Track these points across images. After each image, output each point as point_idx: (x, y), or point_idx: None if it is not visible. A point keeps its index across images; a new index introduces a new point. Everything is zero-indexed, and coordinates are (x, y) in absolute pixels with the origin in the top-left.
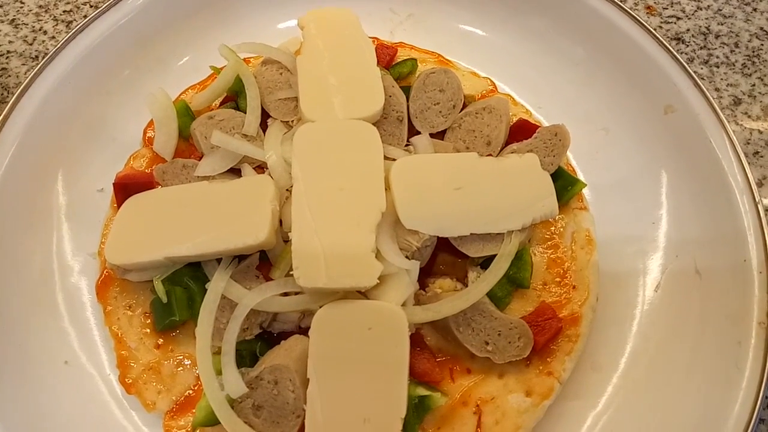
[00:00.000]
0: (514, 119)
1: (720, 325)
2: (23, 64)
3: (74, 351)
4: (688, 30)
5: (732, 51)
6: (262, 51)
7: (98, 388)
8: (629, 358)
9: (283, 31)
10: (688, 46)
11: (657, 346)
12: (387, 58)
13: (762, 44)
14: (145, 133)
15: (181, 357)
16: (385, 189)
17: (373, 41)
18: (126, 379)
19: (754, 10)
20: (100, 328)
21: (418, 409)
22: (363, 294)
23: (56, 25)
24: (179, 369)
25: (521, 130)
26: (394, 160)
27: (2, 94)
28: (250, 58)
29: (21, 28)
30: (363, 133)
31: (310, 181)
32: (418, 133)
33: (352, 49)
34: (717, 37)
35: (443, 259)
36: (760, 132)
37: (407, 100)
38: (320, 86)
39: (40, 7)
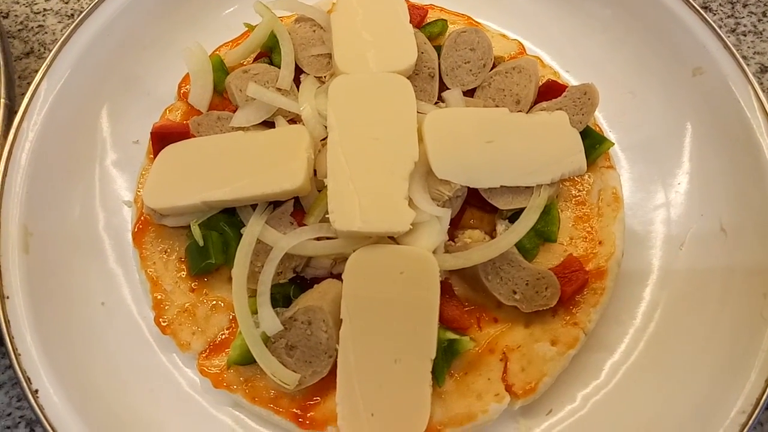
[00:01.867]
0: (543, 80)
1: (745, 279)
2: (59, 22)
3: (111, 293)
4: None
5: (760, 20)
6: (296, 8)
7: (137, 329)
8: (651, 312)
9: None
10: (715, 14)
11: (680, 300)
12: (418, 18)
13: None
14: (180, 87)
15: (215, 300)
16: (418, 141)
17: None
18: (161, 321)
19: None
20: (131, 272)
21: (446, 353)
22: (395, 240)
23: None
24: (213, 312)
25: (550, 91)
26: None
27: (39, 50)
28: (283, 17)
29: None
30: (396, 86)
31: (345, 131)
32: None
33: (385, 7)
34: (744, 6)
35: (472, 213)
36: None
37: (438, 58)
38: (354, 41)
39: None
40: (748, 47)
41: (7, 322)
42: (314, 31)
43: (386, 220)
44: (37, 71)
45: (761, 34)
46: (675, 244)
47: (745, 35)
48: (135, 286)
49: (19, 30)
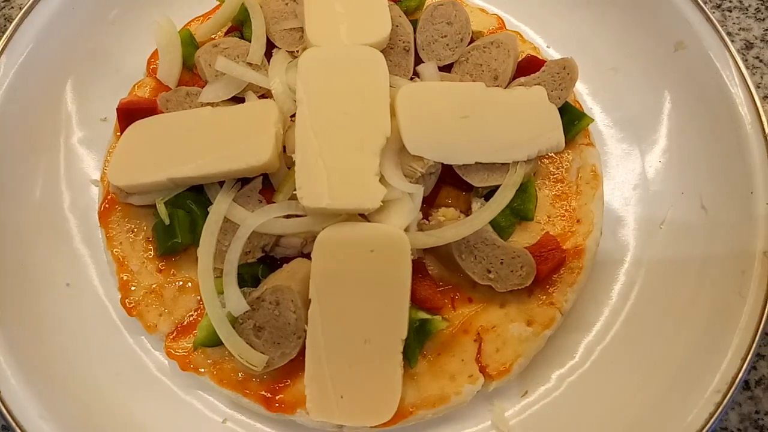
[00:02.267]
0: (522, 55)
1: (724, 257)
2: None
3: (75, 274)
4: None
5: None
6: None
7: (103, 311)
8: (628, 291)
9: None
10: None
11: (658, 278)
12: None
13: None
14: (149, 63)
15: (183, 281)
16: (391, 116)
17: None
18: (127, 302)
19: None
20: (96, 253)
21: (419, 333)
22: (365, 218)
23: None
24: (181, 293)
25: (529, 66)
26: None
27: (5, 26)
28: None
29: None
30: (369, 59)
31: (315, 104)
32: None
33: None
34: None
35: (447, 192)
36: None
37: (414, 32)
38: (326, 13)
39: None
40: (734, 23)
41: None
42: (287, 4)
43: (356, 197)
44: None
45: (746, 9)
46: (655, 222)
47: (730, 11)
48: (102, 267)
49: None
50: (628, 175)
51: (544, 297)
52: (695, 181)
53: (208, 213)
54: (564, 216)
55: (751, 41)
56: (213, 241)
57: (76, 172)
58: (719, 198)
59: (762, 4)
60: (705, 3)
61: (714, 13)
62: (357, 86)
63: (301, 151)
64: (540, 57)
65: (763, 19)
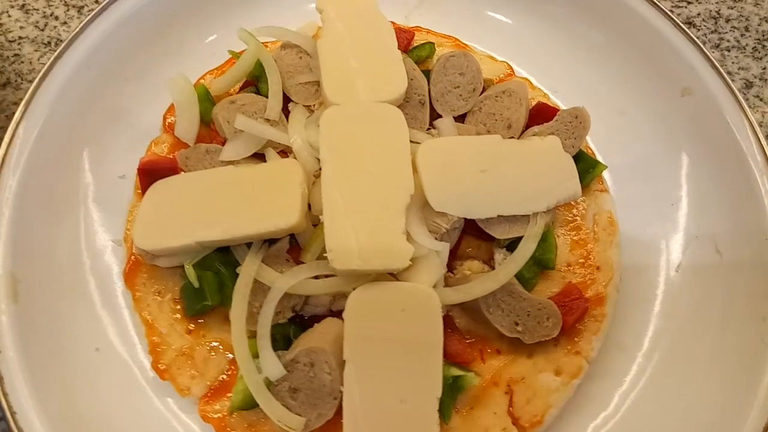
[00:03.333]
0: (533, 102)
1: (744, 303)
2: (36, 50)
3: (104, 338)
4: (698, 14)
5: (742, 35)
6: (281, 35)
7: (133, 375)
8: (654, 338)
9: (298, 15)
10: (699, 30)
11: (681, 325)
12: (404, 42)
13: None
14: (165, 118)
15: (213, 342)
16: (413, 172)
17: None
18: (159, 365)
19: None
20: (128, 314)
21: (452, 389)
22: (394, 276)
23: (67, 10)
24: (212, 354)
25: (540, 113)
26: (418, 143)
27: (16, 81)
28: (268, 42)
29: (32, 14)
30: (388, 116)
31: (339, 165)
32: (439, 116)
33: (372, 32)
34: (727, 21)
35: (469, 241)
36: None
37: (428, 83)
38: (342, 69)
39: None
40: (733, 62)
41: (1, 378)
42: (300, 57)
43: (385, 257)
44: (14, 103)
45: (744, 49)
46: (670, 266)
47: (729, 50)
48: (127, 329)
49: None
50: (640, 219)
51: (570, 346)
52: (708, 225)
53: (236, 274)
54: (584, 263)
55: (750, 80)
56: (245, 304)
57: (97, 233)
58: (734, 242)
59: (759, 43)
60: (704, 44)
61: (713, 52)
62: (378, 144)
63: (328, 212)
64: (550, 104)
65: (761, 58)
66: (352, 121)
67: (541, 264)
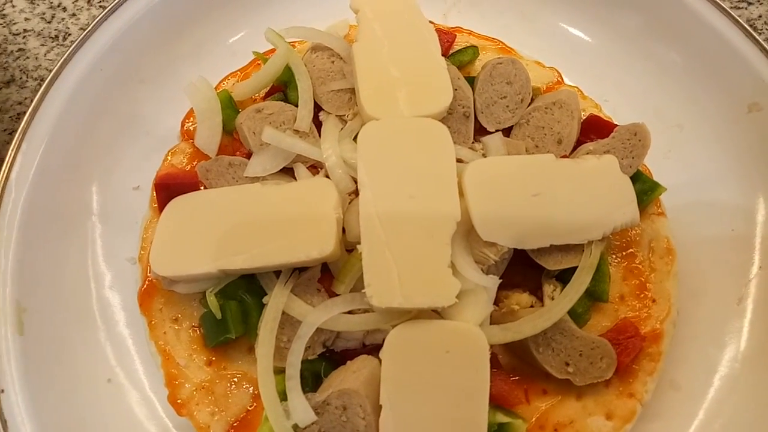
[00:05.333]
0: (584, 114)
1: None
2: (42, 45)
3: (115, 368)
4: (760, 16)
5: None
6: (312, 36)
7: (142, 409)
8: (713, 377)
9: (326, 12)
10: (761, 33)
11: (746, 364)
12: (445, 44)
13: None
14: (182, 125)
15: (235, 375)
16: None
17: None
18: (176, 400)
19: None
20: (140, 341)
21: None
22: (437, 313)
23: (76, 1)
24: (233, 388)
25: (593, 127)
26: (462, 160)
27: (21, 78)
28: (295, 42)
29: (37, 4)
30: (433, 133)
31: (378, 188)
32: (483, 128)
33: (413, 35)
34: None
35: (513, 269)
36: None
37: (472, 93)
38: (381, 78)
39: None
40: None
41: (4, 422)
42: (333, 62)
43: (429, 294)
44: (19, 103)
45: None
46: (731, 298)
47: None
48: (143, 358)
49: None
50: (699, 245)
51: (623, 388)
52: None
53: (261, 303)
54: (638, 295)
55: None
56: (272, 340)
57: (107, 252)
58: None
59: None
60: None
61: None
62: (422, 165)
63: (367, 243)
64: (603, 116)
65: None
66: (392, 139)
67: (593, 296)
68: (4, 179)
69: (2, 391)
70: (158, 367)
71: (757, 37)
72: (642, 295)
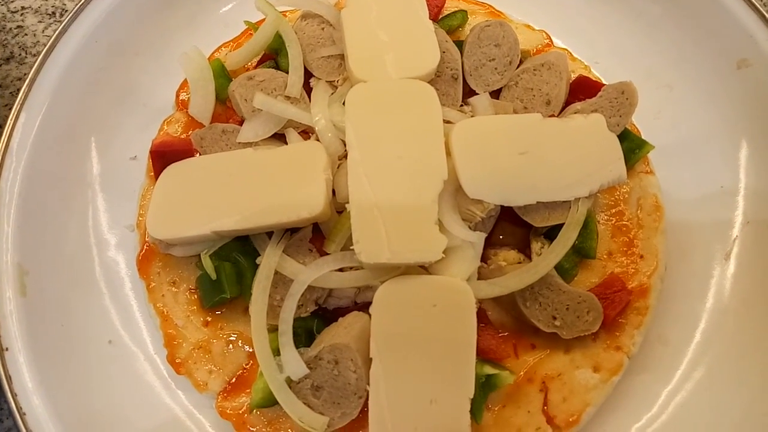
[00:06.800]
0: (573, 76)
1: None
2: (39, 21)
3: (117, 330)
4: None
5: None
6: (301, 4)
7: (144, 369)
8: (704, 331)
9: None
10: None
11: (734, 318)
12: (435, 10)
13: None
14: (177, 95)
15: (231, 335)
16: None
17: None
18: (175, 359)
19: None
20: (141, 304)
21: (484, 388)
22: (425, 269)
23: None
24: (230, 347)
25: (582, 88)
26: (450, 122)
27: (20, 54)
28: (286, 11)
29: None
30: (420, 94)
31: (367, 149)
32: (471, 91)
33: (400, 0)
34: None
35: (502, 227)
36: None
37: (461, 56)
38: (369, 42)
39: None
40: None
41: (8, 378)
42: (323, 29)
43: (417, 249)
44: (19, 79)
45: None
46: (718, 254)
47: None
48: (140, 320)
49: None
50: (687, 203)
51: (610, 341)
52: (763, 210)
53: (255, 264)
54: (626, 252)
55: None
56: (265, 298)
57: (107, 218)
58: None
59: None
60: (765, 6)
61: None
62: (409, 126)
63: (355, 202)
64: (592, 77)
65: None
66: (380, 100)
67: (580, 253)
68: (4, 147)
69: (6, 349)
70: (157, 328)
71: None
72: (630, 252)
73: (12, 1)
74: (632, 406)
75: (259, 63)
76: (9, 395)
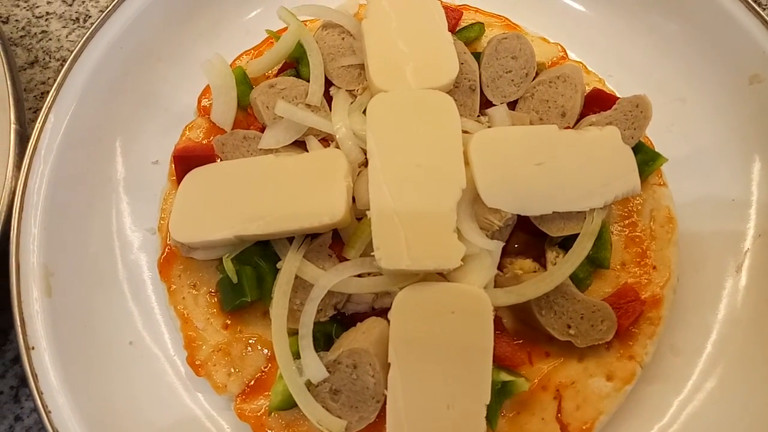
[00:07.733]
0: (588, 89)
1: None
2: (64, 27)
3: (139, 331)
4: None
5: None
6: (322, 14)
7: (164, 370)
8: (714, 342)
9: None
10: (765, 9)
11: (746, 330)
12: (452, 21)
13: None
14: (199, 101)
15: (251, 338)
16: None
17: None
18: (195, 361)
19: None
20: (162, 306)
21: (499, 394)
22: (443, 276)
23: None
24: (248, 350)
25: (596, 100)
26: (469, 133)
27: (45, 59)
28: (306, 21)
29: None
30: (439, 104)
31: (387, 157)
32: (488, 102)
33: (420, 12)
34: None
35: (518, 237)
36: None
37: (478, 67)
38: (390, 53)
39: None
40: None
41: (35, 377)
42: (343, 38)
43: (435, 256)
44: (42, 83)
45: None
46: (730, 266)
47: None
48: (161, 323)
49: (21, 37)
50: (699, 215)
51: (623, 350)
52: None
53: (276, 268)
54: (639, 262)
55: None
56: (286, 302)
57: (129, 221)
58: None
59: None
60: None
61: None
62: (429, 135)
63: (376, 208)
64: (606, 90)
65: None
66: (400, 110)
67: (595, 263)
68: (32, 150)
69: (33, 348)
70: (178, 330)
71: (759, 9)
72: (643, 263)
73: (37, 7)
74: (644, 415)
75: (280, 71)
76: (35, 393)
